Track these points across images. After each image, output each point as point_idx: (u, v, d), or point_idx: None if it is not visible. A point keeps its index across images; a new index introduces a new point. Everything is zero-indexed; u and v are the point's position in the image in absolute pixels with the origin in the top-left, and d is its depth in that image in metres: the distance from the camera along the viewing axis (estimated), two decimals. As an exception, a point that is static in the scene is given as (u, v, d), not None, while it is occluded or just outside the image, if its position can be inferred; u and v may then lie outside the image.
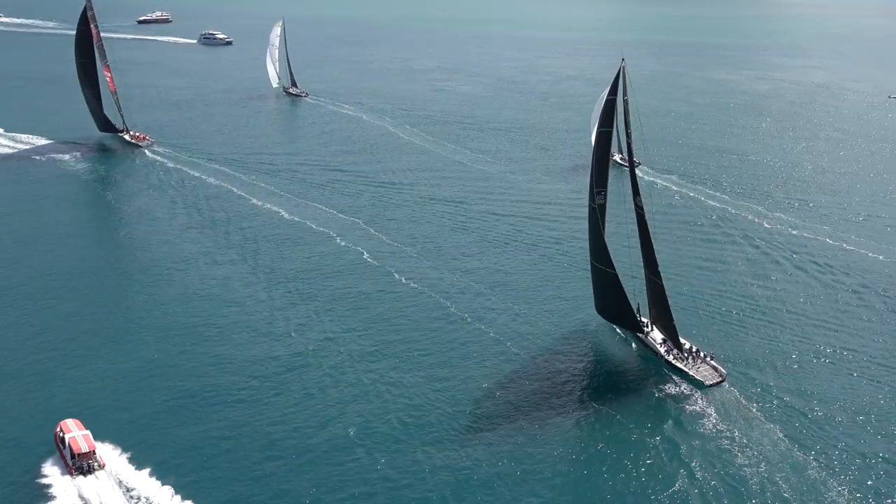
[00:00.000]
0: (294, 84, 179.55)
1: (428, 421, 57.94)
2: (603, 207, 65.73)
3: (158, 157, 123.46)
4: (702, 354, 64.04)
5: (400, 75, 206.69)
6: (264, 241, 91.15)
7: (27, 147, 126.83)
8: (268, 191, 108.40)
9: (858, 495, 51.45)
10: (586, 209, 67.88)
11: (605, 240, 65.43)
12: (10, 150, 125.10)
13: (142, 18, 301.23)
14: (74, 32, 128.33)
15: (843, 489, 51.83)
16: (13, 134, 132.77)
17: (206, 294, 77.56)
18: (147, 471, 51.19)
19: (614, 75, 64.47)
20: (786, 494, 51.08)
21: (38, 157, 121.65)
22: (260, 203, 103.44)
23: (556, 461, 54.00)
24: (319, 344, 68.24)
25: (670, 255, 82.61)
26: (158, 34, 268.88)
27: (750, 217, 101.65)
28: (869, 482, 52.71)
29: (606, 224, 66.63)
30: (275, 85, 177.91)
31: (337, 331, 70.56)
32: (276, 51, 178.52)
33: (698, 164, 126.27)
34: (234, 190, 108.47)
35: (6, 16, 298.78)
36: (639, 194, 65.01)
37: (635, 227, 65.91)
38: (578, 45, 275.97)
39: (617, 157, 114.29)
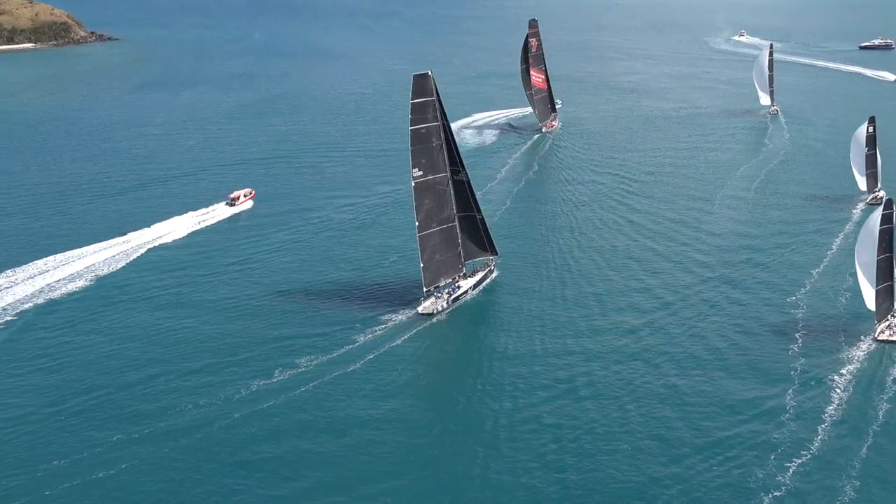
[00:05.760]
0: (773, 102, 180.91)
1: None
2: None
3: (552, 140, 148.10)
4: (446, 294, 79.40)
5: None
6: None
7: (495, 122, 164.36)
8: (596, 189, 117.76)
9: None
10: None
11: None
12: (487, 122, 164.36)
13: (864, 44, 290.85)
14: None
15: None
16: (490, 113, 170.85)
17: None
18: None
19: None
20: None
21: (498, 131, 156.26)
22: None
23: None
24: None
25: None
26: (869, 66, 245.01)
27: None
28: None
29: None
30: (763, 103, 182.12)
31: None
32: (765, 73, 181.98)
33: None
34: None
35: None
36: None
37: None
38: None
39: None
